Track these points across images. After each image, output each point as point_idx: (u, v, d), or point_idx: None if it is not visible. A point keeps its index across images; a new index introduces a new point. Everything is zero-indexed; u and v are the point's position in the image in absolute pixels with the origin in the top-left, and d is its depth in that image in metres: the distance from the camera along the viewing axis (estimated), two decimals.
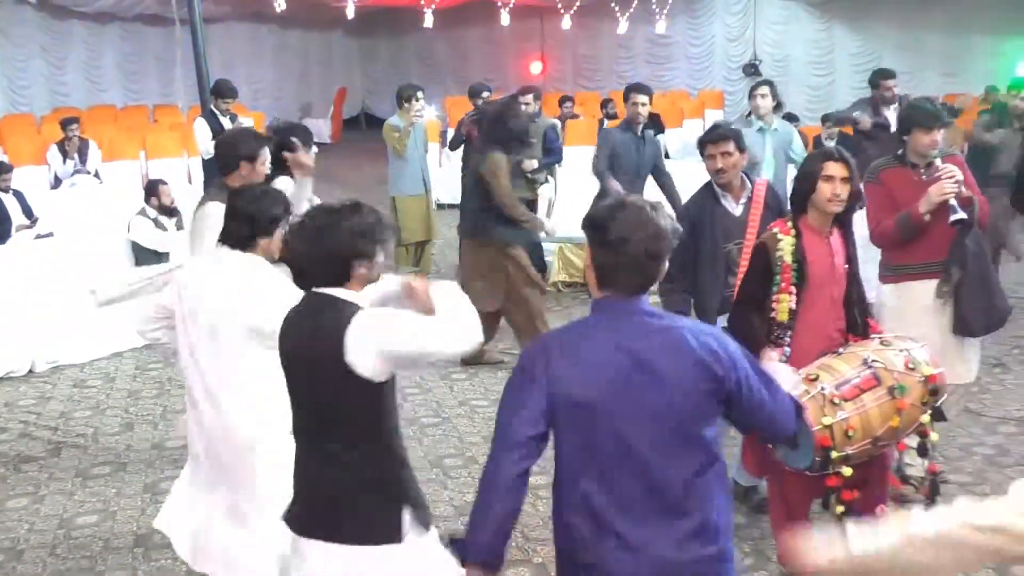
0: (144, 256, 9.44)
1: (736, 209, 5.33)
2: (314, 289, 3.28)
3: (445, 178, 13.74)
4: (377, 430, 3.26)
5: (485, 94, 10.87)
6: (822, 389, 4.08)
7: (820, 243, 4.44)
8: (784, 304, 4.38)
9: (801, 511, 4.45)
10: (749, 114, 8.65)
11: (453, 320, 3.30)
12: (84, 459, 6.61)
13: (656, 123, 13.20)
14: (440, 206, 12.36)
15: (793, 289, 4.37)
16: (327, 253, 3.20)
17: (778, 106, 8.71)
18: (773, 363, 4.12)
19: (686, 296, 5.40)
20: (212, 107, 10.02)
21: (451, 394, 7.58)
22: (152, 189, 9.88)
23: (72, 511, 5.88)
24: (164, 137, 16.15)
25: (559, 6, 16.39)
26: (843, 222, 4.52)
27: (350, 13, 15.63)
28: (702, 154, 5.41)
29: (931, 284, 5.29)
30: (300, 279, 3.33)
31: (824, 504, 4.50)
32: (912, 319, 5.18)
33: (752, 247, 4.75)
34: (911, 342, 4.36)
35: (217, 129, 9.82)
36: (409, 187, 9.91)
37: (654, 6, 17.30)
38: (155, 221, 9.60)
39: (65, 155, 13.11)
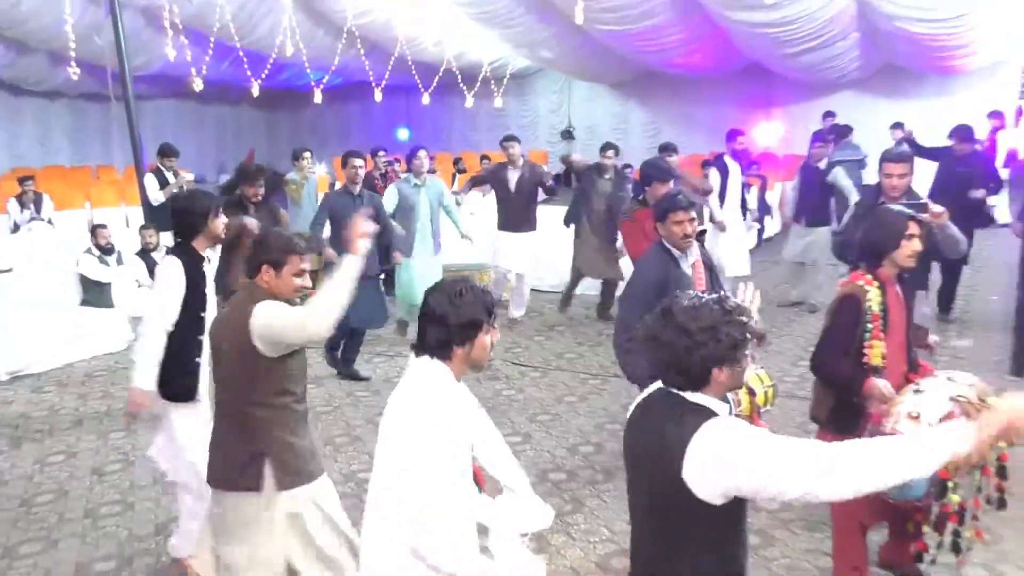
0: (89, 285, 9.23)
1: (688, 269, 4.51)
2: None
3: None
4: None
5: (381, 153, 11.07)
6: (929, 424, 3.52)
7: (893, 293, 3.91)
8: (877, 349, 3.78)
9: (863, 535, 4.01)
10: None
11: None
12: (41, 451, 6.37)
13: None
14: None
15: (882, 335, 3.79)
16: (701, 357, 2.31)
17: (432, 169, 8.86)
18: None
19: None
20: (159, 164, 9.80)
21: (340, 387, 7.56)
22: (94, 232, 9.66)
23: (31, 492, 5.65)
24: (105, 191, 15.71)
25: (420, 86, 16.47)
26: (902, 274, 3.97)
27: (255, 92, 15.40)
28: (663, 218, 4.44)
29: None
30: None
31: (936, 528, 3.61)
32: None
33: (839, 297, 3.92)
34: (970, 376, 3.79)
35: (163, 182, 9.64)
36: (303, 227, 9.74)
37: (492, 87, 17.53)
38: (99, 258, 9.37)
39: (22, 206, 12.64)
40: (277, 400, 3.35)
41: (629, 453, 2.51)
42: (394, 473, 2.57)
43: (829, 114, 14.25)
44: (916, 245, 3.84)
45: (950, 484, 3.49)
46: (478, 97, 17.37)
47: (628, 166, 13.58)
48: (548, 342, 8.80)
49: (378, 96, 15.19)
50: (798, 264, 9.74)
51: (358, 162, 7.64)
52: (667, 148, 9.36)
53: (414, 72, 16.40)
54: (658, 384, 2.48)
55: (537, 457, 5.89)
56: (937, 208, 4.98)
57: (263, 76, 16.17)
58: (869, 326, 3.79)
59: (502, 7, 14.18)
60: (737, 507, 2.32)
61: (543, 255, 9.80)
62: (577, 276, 9.54)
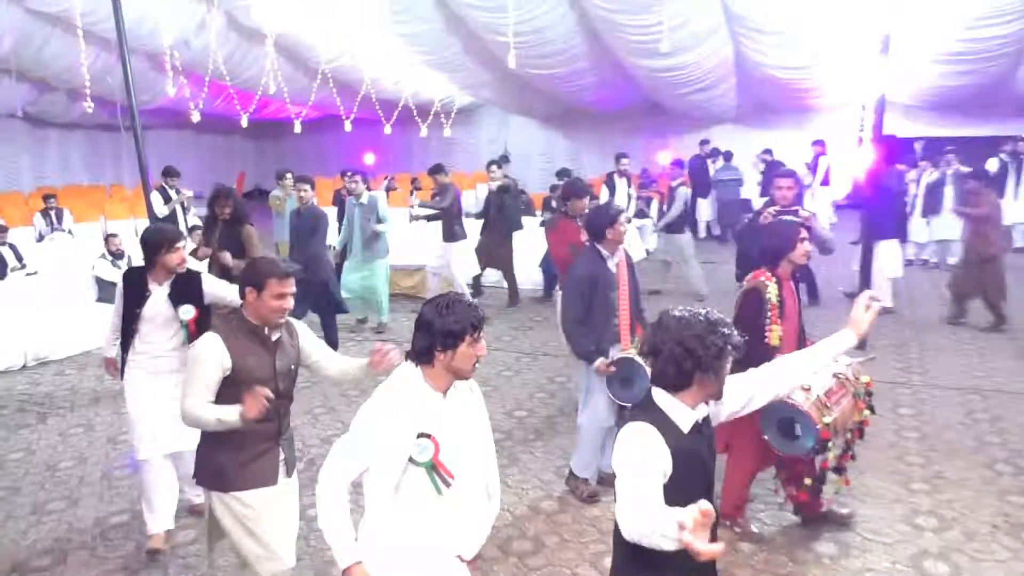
0: (103, 285, 9.03)
1: (614, 268, 4.46)
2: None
3: None
4: None
5: (349, 173, 10.84)
6: (817, 396, 3.66)
7: (788, 287, 3.97)
8: (776, 332, 3.82)
9: (750, 481, 4.17)
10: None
11: None
12: (64, 424, 6.20)
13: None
14: None
15: (779, 321, 3.84)
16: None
17: (389, 187, 8.88)
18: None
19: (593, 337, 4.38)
20: (163, 183, 9.55)
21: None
22: (107, 240, 9.46)
23: (56, 459, 5.51)
24: (117, 206, 15.27)
25: (382, 119, 16.36)
26: (795, 273, 4.05)
27: (244, 123, 15.08)
28: (612, 226, 4.38)
29: None
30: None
31: (820, 481, 4.00)
32: None
33: (745, 292, 3.97)
34: (847, 357, 3.89)
35: (167, 198, 9.39)
36: (286, 236, 9.59)
37: (443, 119, 17.48)
38: (111, 262, 9.15)
39: (46, 219, 12.31)
40: None
41: None
42: None
43: (705, 141, 14.53)
44: (807, 246, 3.94)
45: (830, 444, 3.69)
46: (431, 127, 17.27)
47: (555, 187, 13.58)
48: (488, 327, 8.79)
49: (348, 127, 14.96)
50: (663, 261, 10.32)
51: (303, 187, 7.62)
52: (563, 173, 10.00)
53: (377, 107, 16.26)
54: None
55: None
56: (805, 212, 5.19)
57: (251, 110, 15.87)
58: (769, 314, 3.85)
59: (451, 55, 14.19)
60: (670, 491, 2.07)
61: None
62: (479, 271, 9.97)
